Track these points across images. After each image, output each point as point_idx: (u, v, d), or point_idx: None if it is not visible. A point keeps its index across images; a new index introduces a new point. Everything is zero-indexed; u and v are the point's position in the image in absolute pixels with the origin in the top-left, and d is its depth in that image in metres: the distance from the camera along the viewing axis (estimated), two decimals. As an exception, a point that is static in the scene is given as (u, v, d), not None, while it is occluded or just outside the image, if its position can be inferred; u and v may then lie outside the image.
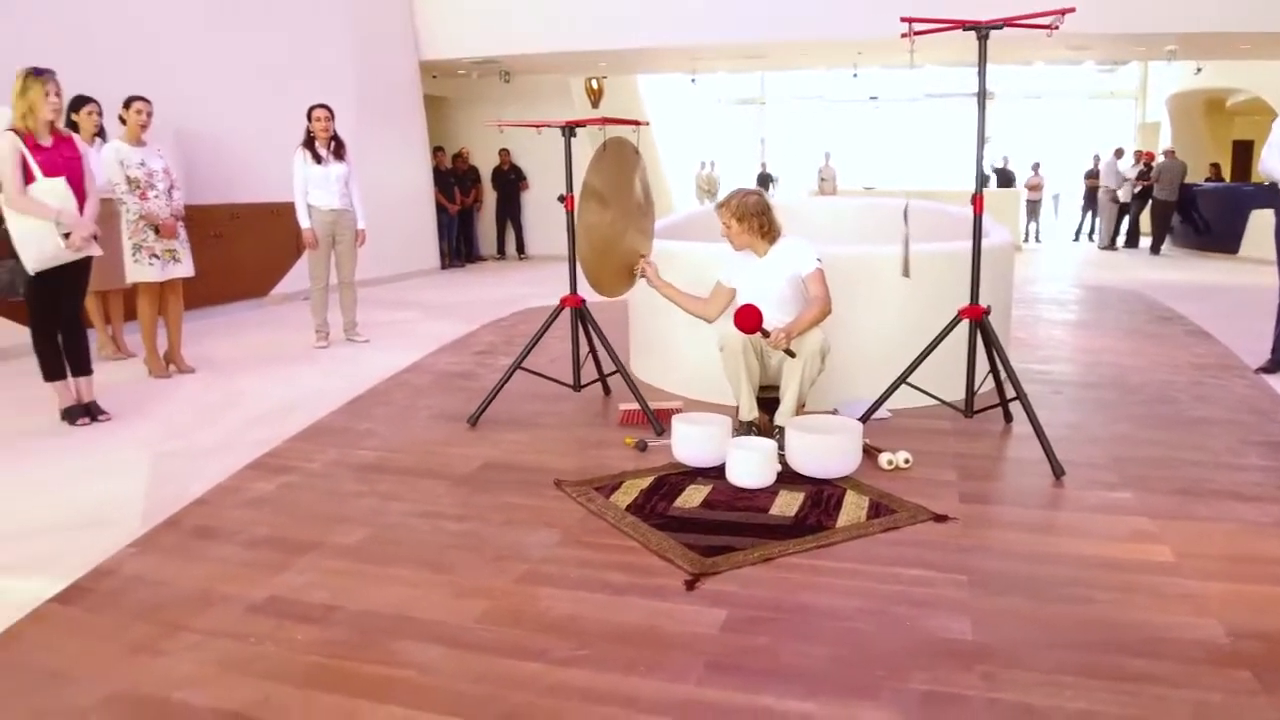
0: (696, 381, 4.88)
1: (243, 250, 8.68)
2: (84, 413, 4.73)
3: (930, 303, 4.39)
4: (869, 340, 4.55)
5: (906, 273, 4.02)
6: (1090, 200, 16.53)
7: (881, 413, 4.28)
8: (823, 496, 3.39)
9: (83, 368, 4.76)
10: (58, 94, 4.44)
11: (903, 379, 4.03)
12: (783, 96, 23.53)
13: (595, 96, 14.39)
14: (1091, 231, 16.57)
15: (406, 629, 2.47)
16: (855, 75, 14.74)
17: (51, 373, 4.66)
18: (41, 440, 4.45)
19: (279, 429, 4.54)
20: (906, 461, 3.72)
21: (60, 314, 4.65)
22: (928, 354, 3.99)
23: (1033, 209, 16.65)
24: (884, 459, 3.73)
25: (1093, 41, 11.41)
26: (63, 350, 4.67)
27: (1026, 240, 16.09)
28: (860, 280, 4.50)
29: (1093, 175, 16.25)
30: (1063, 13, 3.36)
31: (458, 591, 2.70)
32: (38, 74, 4.37)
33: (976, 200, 3.81)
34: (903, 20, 3.51)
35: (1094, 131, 20.30)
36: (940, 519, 3.17)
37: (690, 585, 2.69)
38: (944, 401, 4.14)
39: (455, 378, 5.73)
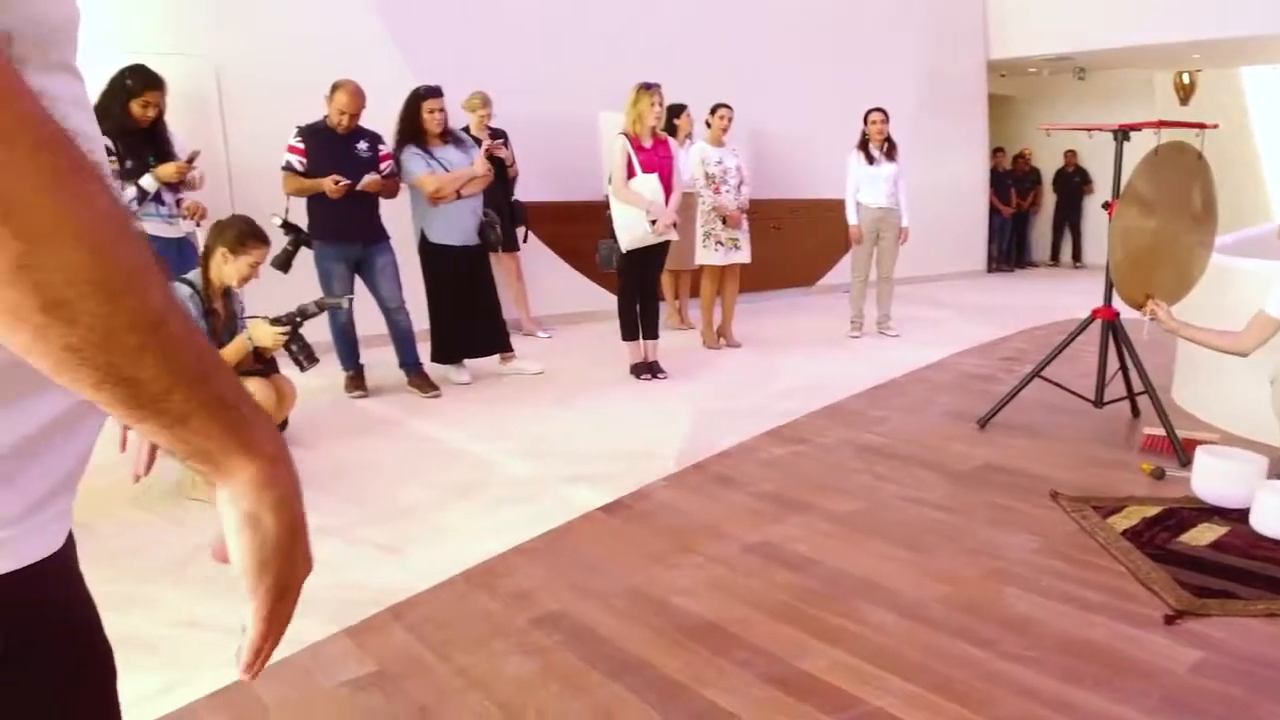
0: (1244, 416, 4.37)
1: (796, 242, 9.45)
2: (647, 369, 5.67)
3: None
4: None
5: None
6: None
7: None
8: (1371, 563, 2.94)
9: (652, 332, 5.71)
10: (660, 104, 5.36)
11: None
12: None
13: (1185, 93, 12.92)
14: None
15: (870, 592, 2.72)
16: None
17: (628, 333, 5.67)
18: (614, 387, 5.47)
19: (802, 404, 5.03)
20: None
21: (641, 286, 5.63)
22: None
23: None
24: None
25: None
26: (639, 316, 5.65)
27: None
28: None
29: None
30: None
31: (926, 571, 2.88)
32: (646, 87, 5.31)
33: None
34: None
35: None
36: None
37: (1170, 620, 2.56)
38: None
39: (975, 379, 5.77)
